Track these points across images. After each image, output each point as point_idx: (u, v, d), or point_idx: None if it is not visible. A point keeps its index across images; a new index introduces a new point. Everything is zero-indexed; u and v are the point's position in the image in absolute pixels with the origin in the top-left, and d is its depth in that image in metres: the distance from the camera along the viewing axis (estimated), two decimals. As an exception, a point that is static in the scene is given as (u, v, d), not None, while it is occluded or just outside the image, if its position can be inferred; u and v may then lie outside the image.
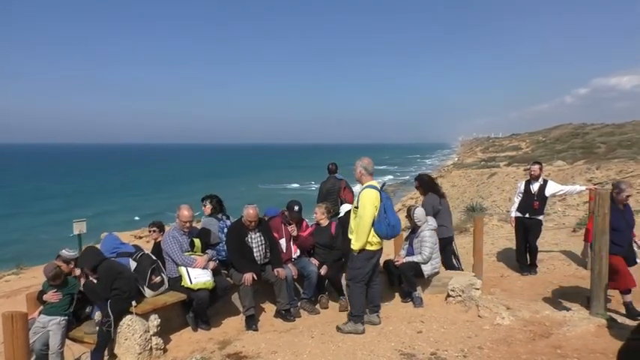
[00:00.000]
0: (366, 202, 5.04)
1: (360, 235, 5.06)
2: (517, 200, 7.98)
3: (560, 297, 6.49)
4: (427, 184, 7.02)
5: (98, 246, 5.73)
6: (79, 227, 10.89)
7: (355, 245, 5.12)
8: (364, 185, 5.19)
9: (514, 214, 7.99)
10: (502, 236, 10.64)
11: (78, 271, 5.35)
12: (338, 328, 5.25)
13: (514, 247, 8.24)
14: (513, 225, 8.06)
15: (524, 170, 7.22)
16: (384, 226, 5.08)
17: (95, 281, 5.01)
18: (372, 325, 5.35)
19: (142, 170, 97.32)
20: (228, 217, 6.59)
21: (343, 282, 6.32)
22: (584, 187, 8.00)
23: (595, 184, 16.48)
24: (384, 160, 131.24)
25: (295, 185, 66.57)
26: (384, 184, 5.49)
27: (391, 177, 74.54)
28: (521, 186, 8.00)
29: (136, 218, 37.08)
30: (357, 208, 5.13)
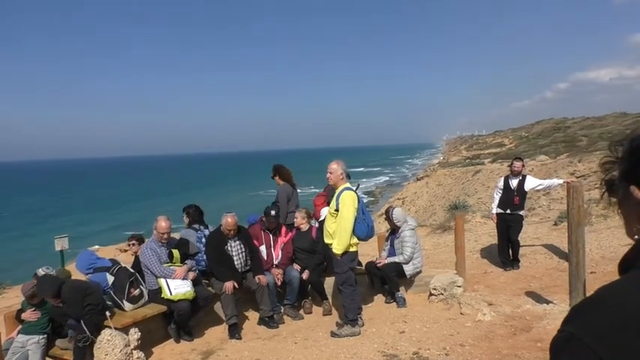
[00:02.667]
0: (348, 204, 5.06)
1: (344, 237, 5.07)
2: (497, 197, 8.03)
3: (541, 290, 6.54)
4: (283, 175, 7.35)
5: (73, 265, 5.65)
6: (60, 243, 10.73)
7: (339, 249, 5.10)
8: (342, 187, 5.21)
9: (495, 210, 8.05)
10: (485, 233, 10.70)
11: None
12: (333, 334, 5.21)
13: (497, 243, 8.29)
14: (495, 221, 8.12)
15: (508, 167, 7.33)
16: (364, 226, 5.15)
17: (60, 306, 4.87)
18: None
19: (142, 182, 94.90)
20: (206, 227, 6.53)
21: (327, 287, 6.33)
22: (562, 181, 8.04)
23: (578, 177, 16.65)
24: (374, 161, 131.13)
25: (298, 191, 65.43)
26: (358, 186, 5.52)
27: (386, 179, 74.29)
28: (501, 182, 8.06)
29: (141, 232, 35.99)
30: (336, 211, 5.13)
